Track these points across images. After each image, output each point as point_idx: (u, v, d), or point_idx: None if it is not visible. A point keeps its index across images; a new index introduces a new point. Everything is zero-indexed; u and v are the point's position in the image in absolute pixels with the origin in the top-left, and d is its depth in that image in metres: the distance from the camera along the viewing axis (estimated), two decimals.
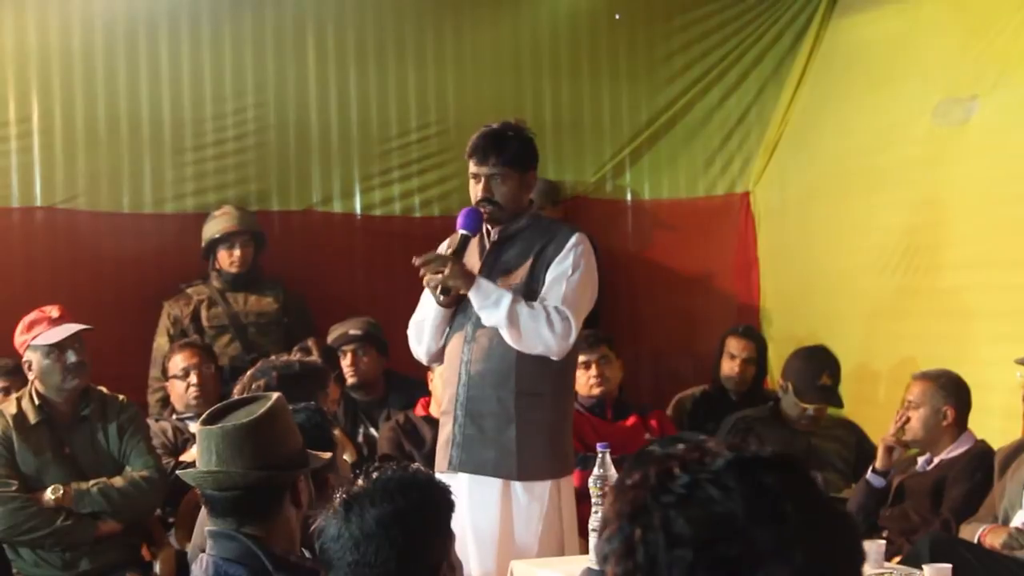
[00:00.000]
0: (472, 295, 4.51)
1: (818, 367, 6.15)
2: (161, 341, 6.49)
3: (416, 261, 4.53)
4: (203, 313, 6.54)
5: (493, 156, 4.55)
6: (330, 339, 6.29)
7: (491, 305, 4.49)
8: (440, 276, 4.48)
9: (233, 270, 6.56)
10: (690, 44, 7.56)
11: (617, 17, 7.53)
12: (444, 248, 4.74)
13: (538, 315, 4.48)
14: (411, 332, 4.81)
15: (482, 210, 4.58)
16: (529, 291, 4.57)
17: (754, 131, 7.49)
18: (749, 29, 7.48)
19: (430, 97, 7.24)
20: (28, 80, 6.59)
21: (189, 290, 6.60)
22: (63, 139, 6.65)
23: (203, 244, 6.59)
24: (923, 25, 6.42)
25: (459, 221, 4.59)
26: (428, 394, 5.95)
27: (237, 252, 6.55)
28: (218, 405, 3.20)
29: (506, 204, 4.58)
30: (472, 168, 4.61)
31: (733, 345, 6.69)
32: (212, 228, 6.58)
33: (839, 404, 6.24)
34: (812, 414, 6.11)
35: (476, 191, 4.61)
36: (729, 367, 6.67)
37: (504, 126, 4.65)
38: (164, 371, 6.19)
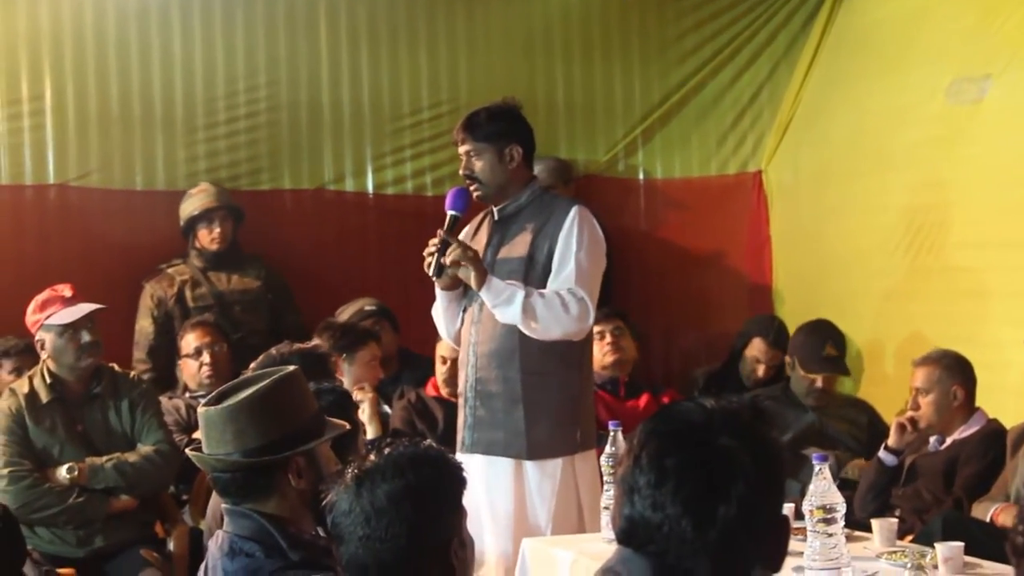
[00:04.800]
0: (484, 295, 4.53)
1: (821, 338, 6.16)
2: (144, 324, 6.44)
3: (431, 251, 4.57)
4: (187, 293, 6.47)
5: (463, 134, 4.68)
6: (344, 318, 6.28)
7: (504, 303, 4.51)
8: (457, 266, 4.51)
9: (214, 247, 6.50)
10: (702, 23, 7.53)
11: None
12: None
13: (552, 303, 4.50)
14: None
15: (469, 188, 4.67)
16: (530, 267, 4.59)
17: (766, 110, 7.46)
18: (761, 8, 7.44)
19: (442, 76, 7.23)
20: (41, 58, 6.58)
21: (170, 270, 6.53)
22: (76, 117, 6.64)
23: (181, 223, 6.54)
24: (936, 4, 6.39)
25: (447, 202, 4.67)
26: None
27: (217, 229, 6.48)
28: (227, 384, 3.18)
29: (485, 179, 4.65)
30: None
31: (760, 349, 6.58)
32: (190, 206, 6.51)
33: (846, 372, 6.25)
34: (820, 386, 6.11)
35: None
36: (751, 368, 6.59)
37: (487, 106, 4.75)
38: (151, 351, 6.26)
